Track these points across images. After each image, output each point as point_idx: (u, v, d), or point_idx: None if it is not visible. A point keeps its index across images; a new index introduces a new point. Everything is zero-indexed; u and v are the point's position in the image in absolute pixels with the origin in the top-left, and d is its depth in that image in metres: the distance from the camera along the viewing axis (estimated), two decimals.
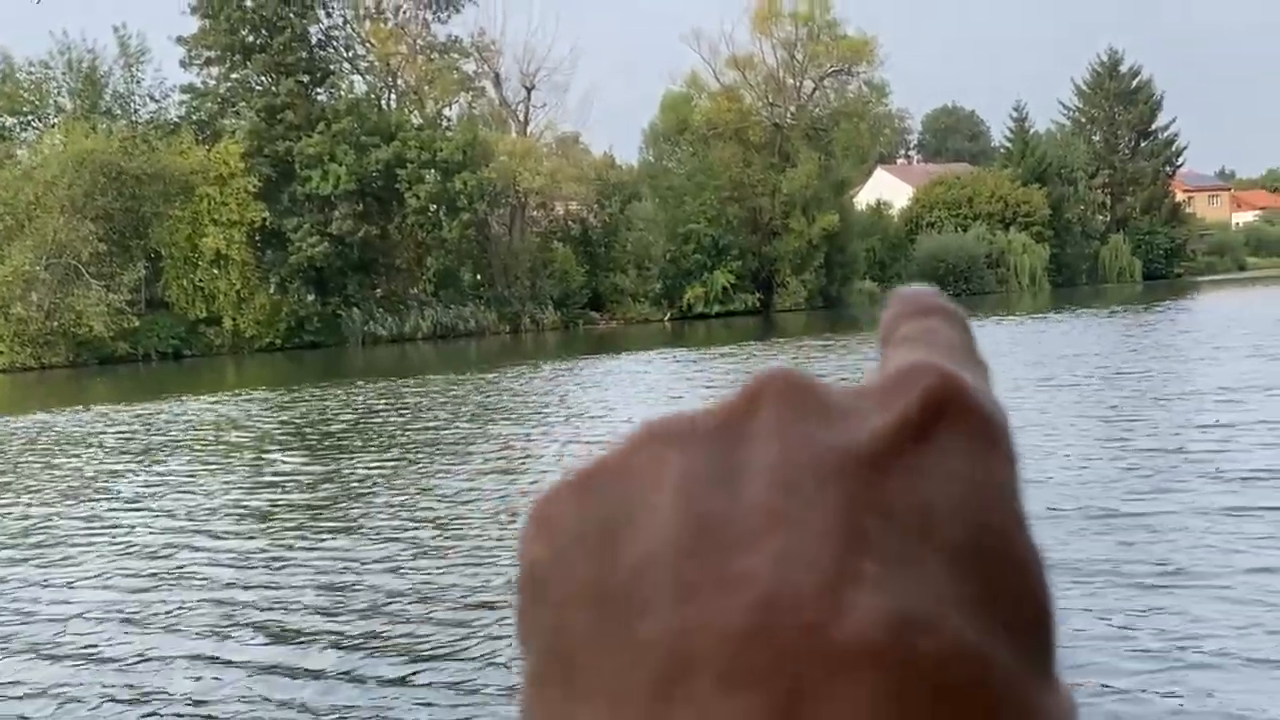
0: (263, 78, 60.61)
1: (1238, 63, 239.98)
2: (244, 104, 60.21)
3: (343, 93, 62.96)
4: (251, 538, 11.70)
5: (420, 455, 16.77)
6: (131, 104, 60.93)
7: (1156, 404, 16.70)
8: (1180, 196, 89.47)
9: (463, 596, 8.77)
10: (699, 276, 64.91)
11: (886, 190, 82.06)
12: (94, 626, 8.71)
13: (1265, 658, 6.42)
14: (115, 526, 12.81)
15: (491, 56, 69.32)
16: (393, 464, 16.03)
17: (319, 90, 62.32)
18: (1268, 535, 8.84)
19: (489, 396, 25.12)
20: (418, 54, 66.55)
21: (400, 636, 7.93)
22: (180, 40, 61.01)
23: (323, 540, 11.31)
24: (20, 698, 7.21)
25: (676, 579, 0.30)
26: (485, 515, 11.94)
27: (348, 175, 57.44)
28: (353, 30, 66.02)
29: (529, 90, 69.83)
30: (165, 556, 11.01)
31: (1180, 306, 44.44)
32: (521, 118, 70.28)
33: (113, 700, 7.09)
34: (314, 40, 63.21)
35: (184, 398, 29.71)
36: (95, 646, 8.21)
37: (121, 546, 11.68)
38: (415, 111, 64.73)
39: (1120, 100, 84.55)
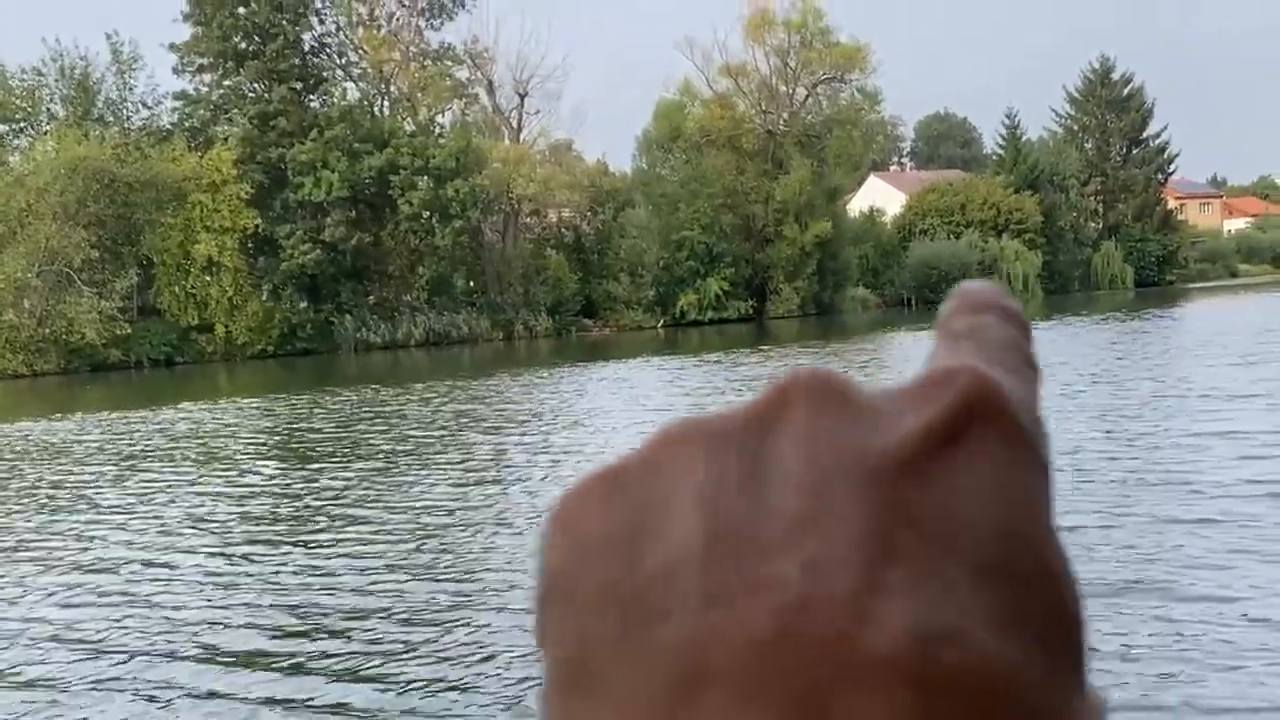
0: (255, 84, 60.61)
1: (1229, 70, 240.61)
2: (236, 111, 60.21)
3: (335, 100, 62.99)
4: (224, 549, 11.64)
5: (403, 465, 16.73)
6: (124, 111, 61.04)
7: (1138, 413, 16.72)
8: (1172, 204, 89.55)
9: (438, 608, 8.74)
10: (692, 284, 64.95)
11: (879, 197, 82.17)
12: (50, 643, 8.63)
13: (1244, 668, 6.43)
14: (85, 537, 12.76)
15: (484, 64, 69.44)
16: (374, 474, 15.99)
17: (312, 97, 62.34)
18: (1243, 547, 8.85)
19: (478, 405, 25.13)
20: (411, 61, 66.57)
21: (371, 649, 7.90)
22: (173, 47, 61.03)
23: (296, 552, 11.25)
24: None
25: (700, 584, 0.30)
26: (464, 526, 11.91)
27: (340, 182, 57.45)
28: (346, 37, 66.08)
29: (522, 97, 69.93)
30: (133, 568, 10.94)
31: (1170, 315, 44.51)
32: (514, 125, 70.36)
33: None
34: (307, 47, 63.26)
35: (172, 406, 29.65)
36: (50, 663, 8.15)
37: (90, 557, 11.62)
38: (408, 118, 64.74)
39: (1112, 108, 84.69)
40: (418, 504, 13.35)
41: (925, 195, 79.42)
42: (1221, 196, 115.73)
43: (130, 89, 61.11)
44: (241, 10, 60.10)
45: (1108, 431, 15.04)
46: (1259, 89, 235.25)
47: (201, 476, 16.94)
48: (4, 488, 17.19)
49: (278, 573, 10.36)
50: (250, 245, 57.26)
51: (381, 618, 8.63)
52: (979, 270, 73.39)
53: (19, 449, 22.23)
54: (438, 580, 9.66)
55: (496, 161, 62.47)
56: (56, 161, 53.05)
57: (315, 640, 8.21)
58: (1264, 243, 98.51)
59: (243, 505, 14.31)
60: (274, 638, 8.36)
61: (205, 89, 61.95)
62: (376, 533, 11.88)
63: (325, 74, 64.09)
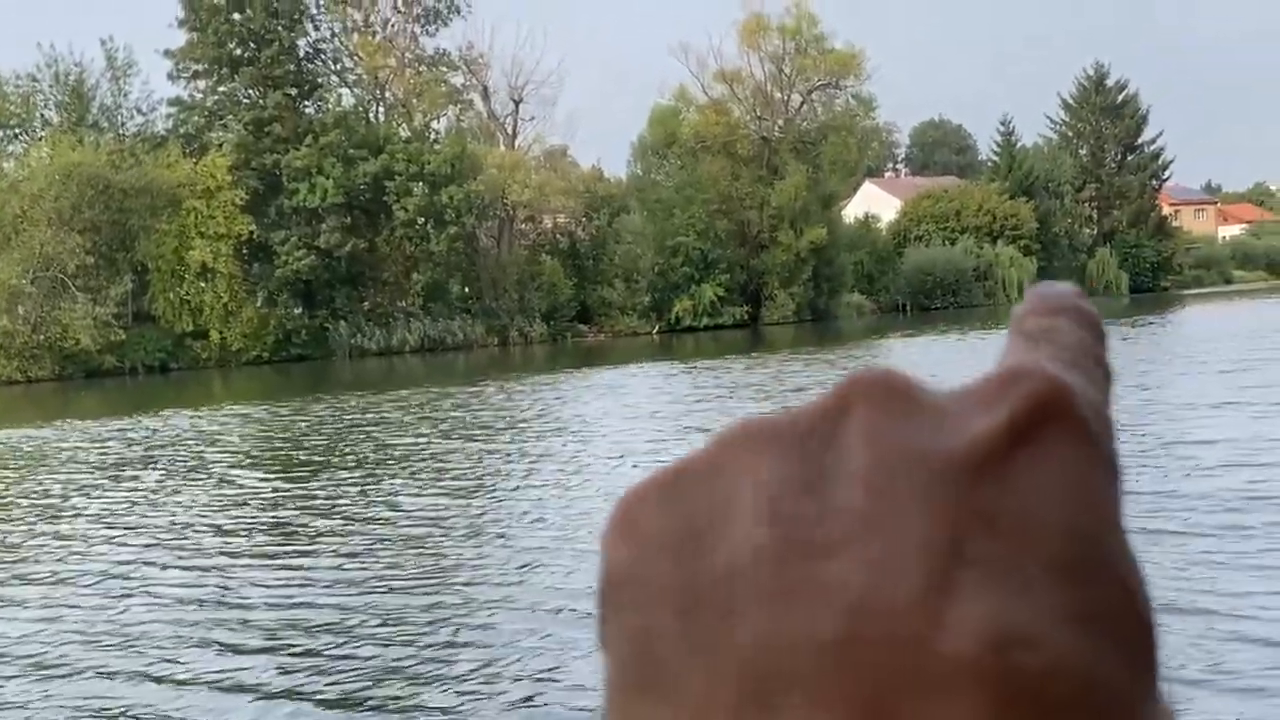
0: (250, 91, 60.62)
1: (1223, 77, 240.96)
2: (231, 117, 60.21)
3: (330, 106, 62.98)
4: (202, 559, 11.59)
5: (389, 473, 16.68)
6: (119, 117, 61.01)
7: (1128, 420, 16.71)
8: (1167, 210, 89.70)
9: (418, 619, 8.71)
10: (687, 289, 64.98)
11: (874, 203, 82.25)
12: (39, 649, 8.62)
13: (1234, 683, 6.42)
14: (61, 546, 12.72)
15: (480, 70, 69.48)
16: (360, 482, 15.95)
17: (307, 103, 62.34)
18: (1229, 558, 8.83)
19: (470, 411, 25.12)
20: (406, 67, 66.61)
21: (351, 660, 7.87)
22: (167, 53, 61.05)
23: (275, 562, 11.22)
24: None
25: (764, 585, 0.29)
26: (446, 535, 11.87)
27: (335, 188, 57.44)
28: (341, 43, 66.16)
29: (517, 103, 70.00)
30: (119, 577, 10.90)
31: (1164, 321, 44.57)
32: (509, 131, 70.42)
33: None
34: (302, 53, 63.26)
35: (164, 412, 29.61)
36: (41, 669, 8.13)
37: (64, 567, 11.58)
38: (403, 124, 64.77)
39: (1107, 114, 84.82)
40: (401, 513, 13.31)
41: (920, 201, 79.53)
42: (1216, 203, 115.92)
43: (125, 95, 61.16)
44: (236, 16, 60.12)
45: None
46: (1253, 95, 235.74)
47: (184, 485, 16.88)
48: None
49: (256, 583, 10.32)
50: (245, 251, 57.21)
51: (361, 628, 8.60)
52: (974, 276, 73.54)
53: (3, 457, 22.17)
54: (419, 591, 9.62)
55: (492, 167, 62.50)
56: (51, 167, 53.03)
57: (291, 653, 8.18)
58: (1258, 249, 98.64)
59: (224, 514, 14.26)
60: (249, 651, 8.32)
61: (200, 95, 61.98)
62: (358, 542, 11.83)
63: (320, 80, 64.12)
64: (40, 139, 57.67)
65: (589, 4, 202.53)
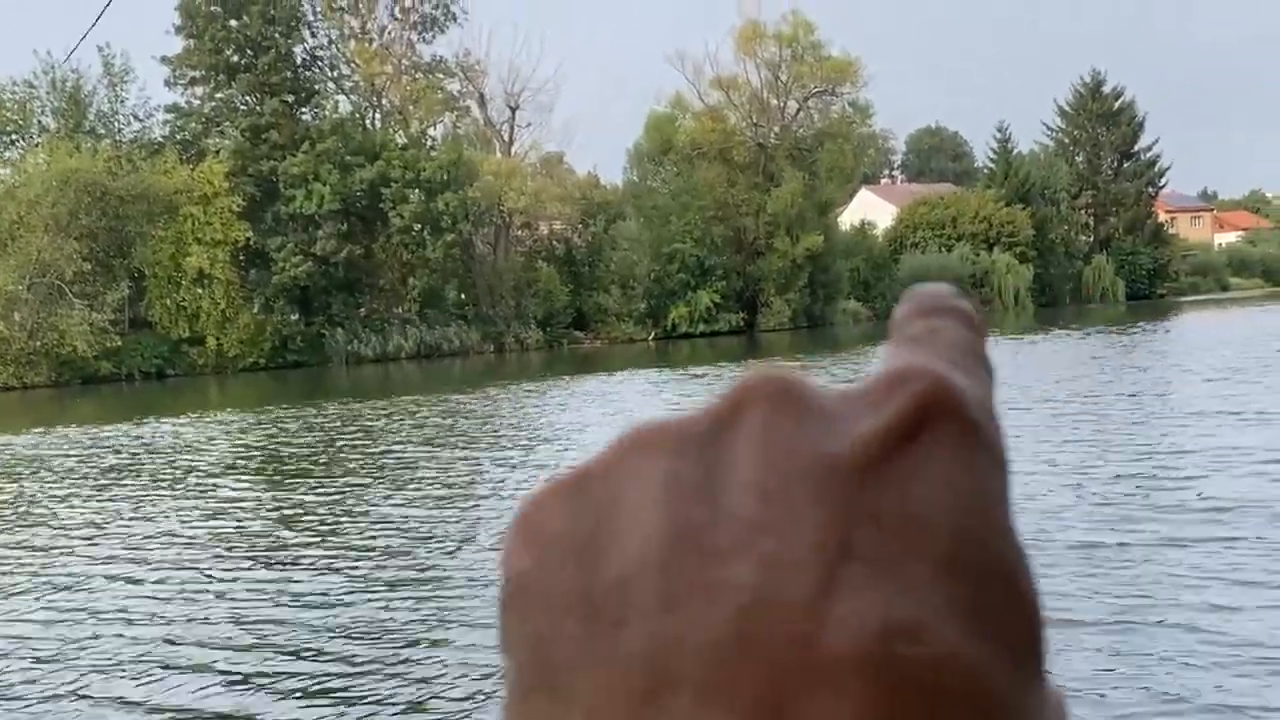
0: (247, 97, 60.68)
1: (1220, 85, 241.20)
2: (228, 123, 60.26)
3: (327, 112, 63.06)
4: (187, 567, 11.55)
5: (377, 482, 16.65)
6: (115, 123, 61.00)
7: (1118, 429, 16.75)
8: (1163, 217, 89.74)
9: (402, 628, 8.71)
10: (683, 296, 65.02)
11: (870, 210, 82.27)
12: (7, 662, 8.59)
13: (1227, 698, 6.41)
14: (47, 554, 12.69)
15: (476, 76, 69.55)
16: (347, 490, 15.93)
17: (303, 110, 62.41)
18: (1218, 569, 8.82)
19: (463, 419, 25.12)
20: (403, 74, 66.67)
21: (333, 670, 7.86)
22: (164, 60, 61.10)
23: (260, 571, 11.19)
24: None
25: (660, 588, 0.30)
26: (433, 544, 11.85)
27: (332, 195, 57.49)
28: (338, 50, 66.24)
29: (513, 110, 70.06)
30: (92, 586, 10.87)
31: (1159, 328, 44.59)
32: (506, 137, 70.47)
33: None
34: (299, 60, 63.34)
35: (156, 420, 29.63)
36: (7, 683, 8.08)
37: (51, 575, 11.56)
38: (400, 131, 64.81)
39: (1103, 121, 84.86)
40: (387, 521, 13.27)
41: (917, 208, 79.57)
42: (1212, 210, 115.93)
43: (122, 101, 61.17)
44: (233, 23, 60.18)
45: (1087, 447, 15.07)
46: (1249, 103, 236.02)
47: (172, 493, 16.87)
48: None
49: (241, 592, 10.29)
50: (242, 258, 57.27)
51: (345, 637, 8.59)
52: (970, 283, 73.57)
53: None
54: (403, 600, 9.61)
55: (488, 174, 62.56)
56: (48, 174, 53.05)
57: (275, 662, 8.16)
58: (1254, 256, 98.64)
59: (210, 523, 14.23)
60: (233, 660, 8.30)
61: (197, 102, 62.06)
62: (344, 551, 11.81)
63: (317, 87, 64.20)
64: (37, 145, 57.67)
65: (586, 12, 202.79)
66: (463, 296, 62.50)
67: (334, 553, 11.76)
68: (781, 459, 0.31)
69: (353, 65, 66.15)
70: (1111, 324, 49.10)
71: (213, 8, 59.64)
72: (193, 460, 20.95)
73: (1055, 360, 30.91)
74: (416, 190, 58.67)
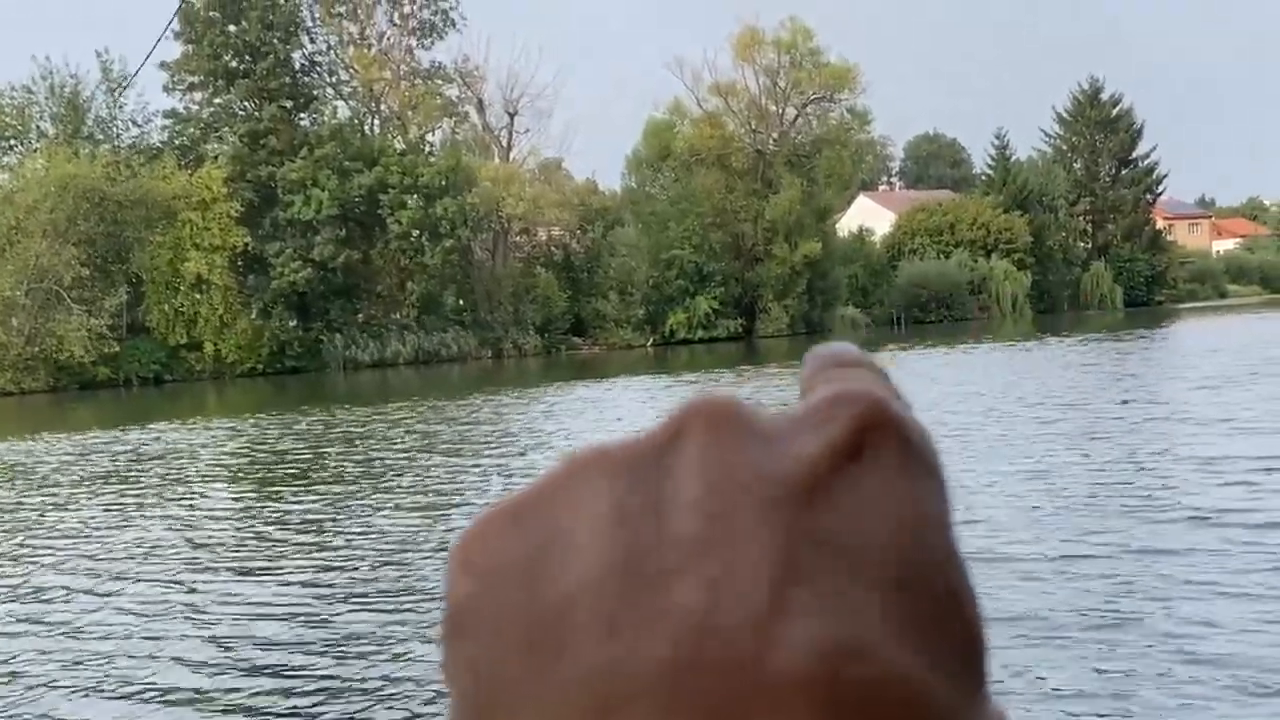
0: (246, 103, 60.80)
1: (1217, 91, 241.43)
2: (227, 129, 60.39)
3: (326, 118, 63.17)
4: (170, 576, 11.50)
5: (365, 489, 16.58)
6: (114, 129, 61.13)
7: (1106, 437, 16.72)
8: (1161, 224, 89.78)
9: (385, 639, 8.67)
10: (682, 302, 65.10)
11: (869, 217, 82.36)
12: None
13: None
14: (29, 561, 12.66)
15: (475, 82, 69.64)
16: (337, 498, 15.88)
17: (302, 116, 62.53)
18: (1199, 579, 8.77)
19: (456, 426, 25.08)
20: (401, 80, 66.77)
21: (309, 680, 7.84)
22: (163, 65, 61.24)
23: (243, 579, 11.16)
24: None
25: (603, 613, 0.30)
26: (418, 553, 11.77)
27: (330, 200, 57.57)
28: (336, 56, 66.36)
29: (512, 116, 70.16)
30: (73, 595, 10.82)
31: (1154, 335, 44.61)
32: (504, 143, 70.58)
33: None
34: (297, 66, 63.50)
35: (151, 425, 29.61)
36: None
37: (32, 582, 11.51)
38: (398, 137, 64.92)
39: (1101, 128, 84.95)
40: (374, 530, 13.21)
41: (915, 215, 79.65)
42: (1210, 217, 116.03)
43: (120, 107, 61.31)
44: (232, 29, 60.30)
45: (1077, 456, 15.07)
46: (1247, 110, 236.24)
47: (159, 500, 16.81)
48: None
49: (223, 601, 10.25)
50: (240, 263, 57.38)
51: (319, 649, 8.56)
52: (968, 290, 73.65)
53: None
54: (382, 610, 9.57)
55: (486, 180, 62.64)
56: (46, 179, 53.14)
57: (253, 673, 8.14)
58: (1252, 263, 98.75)
59: (196, 530, 14.16)
60: (212, 671, 8.26)
61: (195, 107, 62.20)
62: (329, 560, 11.76)
63: (316, 92, 64.33)
64: (36, 151, 57.78)
65: (584, 19, 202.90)
66: (461, 302, 62.56)
67: (318, 561, 11.71)
68: (724, 481, 0.31)
69: (351, 71, 66.28)
70: (1108, 331, 49.10)
71: (211, 13, 59.77)
72: (182, 467, 20.87)
73: (1049, 367, 30.90)
74: (415, 196, 58.77)
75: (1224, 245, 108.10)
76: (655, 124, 71.04)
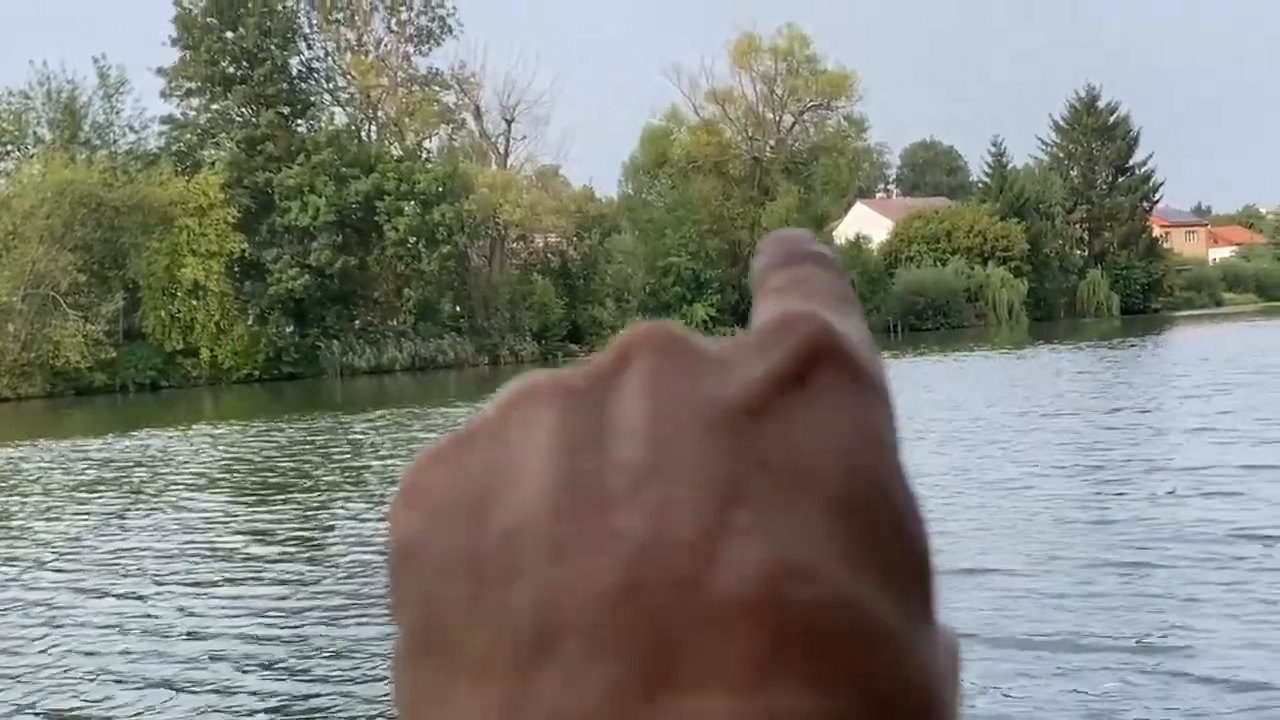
0: (243, 109, 60.87)
1: (1214, 99, 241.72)
2: (224, 135, 60.47)
3: (323, 124, 63.26)
4: (150, 585, 11.46)
5: (360, 496, 16.55)
6: (111, 135, 61.22)
7: (1092, 446, 16.74)
8: (1157, 232, 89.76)
9: (357, 647, 8.66)
10: (678, 309, 65.13)
11: (865, 224, 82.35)
12: None
13: None
14: (16, 568, 12.64)
15: (472, 89, 69.73)
16: (323, 505, 15.88)
17: (299, 122, 62.61)
18: (1181, 593, 8.78)
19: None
20: (398, 86, 66.91)
21: (283, 690, 7.84)
22: (160, 71, 61.31)
23: (229, 587, 11.11)
24: None
25: (548, 541, 0.30)
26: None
27: (327, 207, 57.63)
28: (334, 62, 66.49)
29: (509, 123, 70.21)
30: (46, 606, 10.76)
31: (1148, 342, 44.64)
32: (501, 150, 70.65)
33: None
34: (295, 72, 63.59)
35: (144, 432, 29.62)
36: None
37: (12, 592, 11.46)
38: (395, 143, 65.03)
39: (1098, 136, 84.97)
40: (362, 538, 13.19)
41: (911, 222, 79.66)
42: (1206, 225, 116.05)
43: (117, 113, 61.43)
44: (229, 35, 60.38)
45: (1060, 466, 15.09)
46: (1244, 118, 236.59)
47: (141, 509, 16.76)
48: None
49: (206, 610, 10.21)
50: (237, 269, 57.40)
51: (296, 657, 8.55)
52: (965, 297, 73.72)
53: None
54: (363, 619, 9.53)
55: (483, 187, 62.69)
56: (43, 185, 53.15)
57: (237, 679, 8.14)
58: (1248, 271, 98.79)
59: (173, 539, 14.09)
60: (193, 679, 8.23)
61: (193, 113, 62.29)
62: (316, 568, 11.75)
63: (313, 99, 64.43)
64: (32, 156, 57.83)
65: (582, 25, 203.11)
66: (457, 309, 62.62)
67: (305, 569, 11.69)
68: (669, 406, 0.31)
69: (349, 77, 66.39)
70: (1103, 339, 49.17)
71: (209, 20, 59.86)
72: (174, 474, 20.83)
73: (1040, 375, 30.98)
74: (412, 203, 58.83)
75: (1220, 253, 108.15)
76: (652, 131, 71.18)
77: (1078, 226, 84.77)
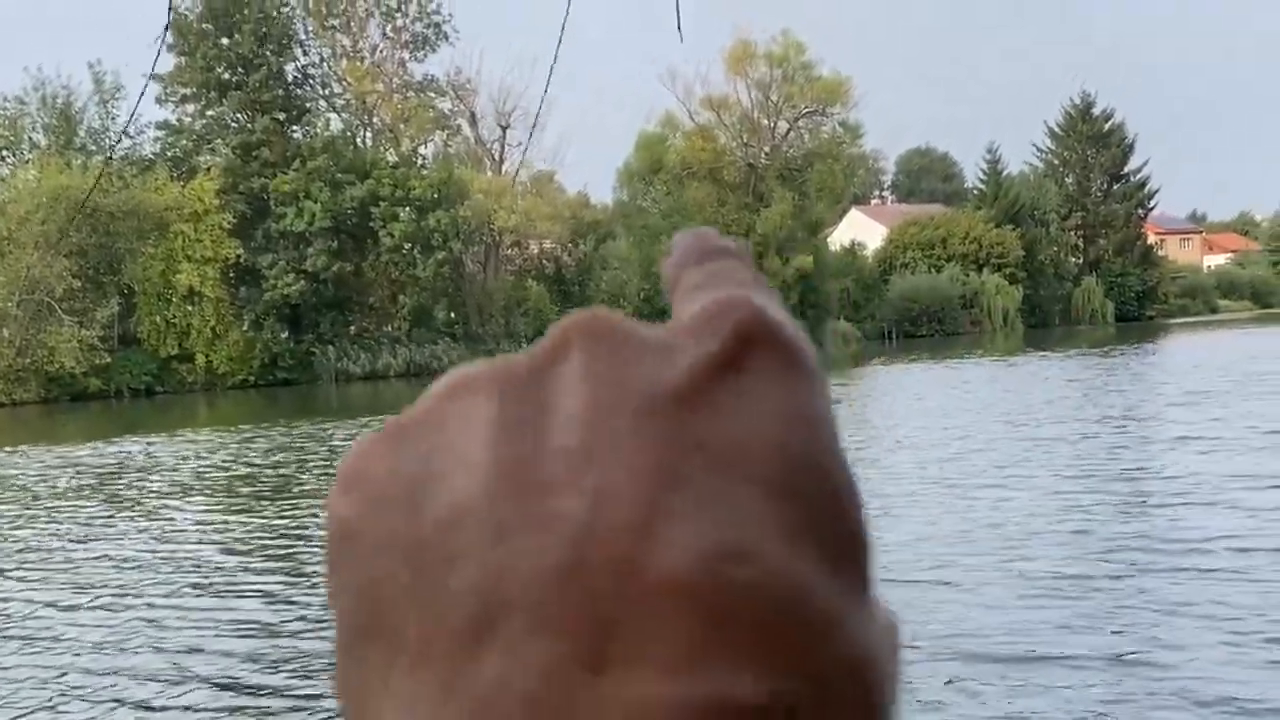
0: (238, 115, 60.88)
1: (1210, 106, 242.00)
2: (219, 141, 60.49)
3: (318, 130, 63.30)
4: (133, 592, 11.44)
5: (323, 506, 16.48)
6: (106, 140, 61.13)
7: (1077, 455, 16.78)
8: (1152, 239, 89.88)
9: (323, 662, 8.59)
10: (673, 315, 65.11)
11: (860, 231, 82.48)
12: None
13: None
14: None
15: (467, 95, 69.78)
16: (311, 513, 15.83)
17: (295, 128, 62.62)
18: (1162, 601, 8.79)
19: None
20: (394, 92, 66.97)
21: (270, 703, 7.83)
22: (156, 77, 61.27)
23: (206, 597, 11.08)
24: None
25: (487, 524, 0.30)
26: None
27: (322, 213, 57.67)
28: (329, 68, 66.54)
29: (504, 129, 70.26)
30: (32, 611, 10.78)
31: (1140, 350, 44.64)
32: (496, 156, 70.69)
33: None
34: (290, 78, 63.64)
35: (134, 438, 29.62)
36: None
37: None
38: (390, 149, 65.08)
39: (1093, 143, 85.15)
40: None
41: (906, 229, 79.80)
42: (1201, 232, 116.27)
43: (113, 118, 61.35)
44: (225, 41, 60.41)
45: (1047, 474, 15.11)
46: (1240, 124, 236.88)
47: (126, 515, 16.73)
48: None
49: (181, 620, 10.20)
50: (232, 275, 57.43)
51: (280, 667, 8.55)
52: (959, 304, 73.81)
53: None
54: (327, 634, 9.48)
55: (478, 193, 62.72)
56: (38, 190, 53.18)
57: (210, 691, 8.12)
58: (1243, 278, 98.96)
59: (162, 546, 14.07)
60: (166, 691, 8.20)
61: (188, 119, 62.29)
62: (289, 579, 11.73)
63: (308, 105, 64.47)
64: (27, 162, 57.87)
65: (577, 32, 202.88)
66: (452, 315, 62.66)
67: (280, 580, 11.68)
68: (606, 391, 0.32)
69: (344, 83, 66.44)
70: (1097, 346, 49.22)
71: (205, 25, 59.90)
72: (155, 482, 20.78)
73: (1031, 383, 31.01)
74: (407, 209, 58.89)
75: (1215, 260, 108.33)
76: (647, 137, 71.14)
77: (1073, 234, 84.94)
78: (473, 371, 0.34)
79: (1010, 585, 9.52)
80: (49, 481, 21.42)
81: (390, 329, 61.38)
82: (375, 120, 66.90)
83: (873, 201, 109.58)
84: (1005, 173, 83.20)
